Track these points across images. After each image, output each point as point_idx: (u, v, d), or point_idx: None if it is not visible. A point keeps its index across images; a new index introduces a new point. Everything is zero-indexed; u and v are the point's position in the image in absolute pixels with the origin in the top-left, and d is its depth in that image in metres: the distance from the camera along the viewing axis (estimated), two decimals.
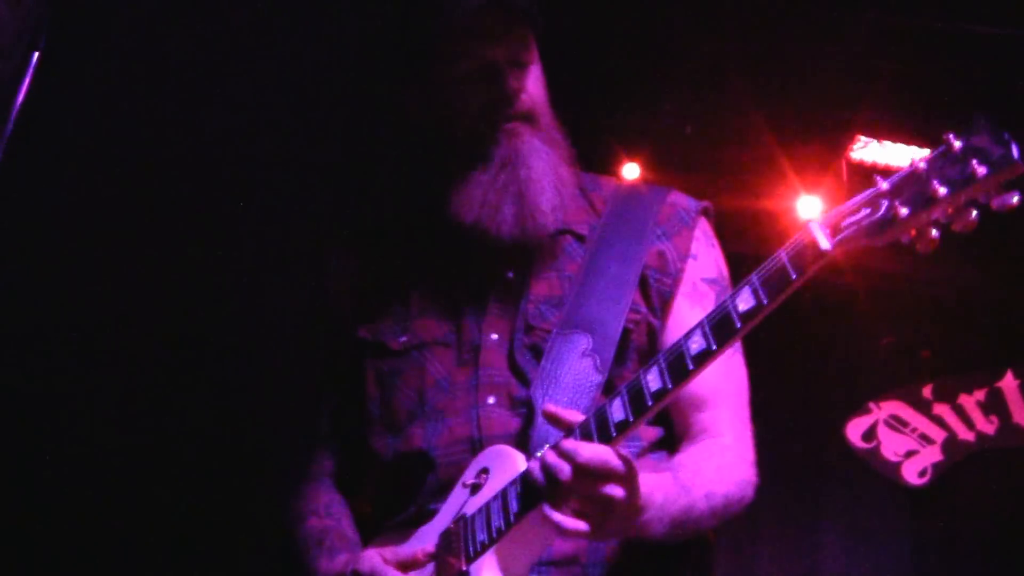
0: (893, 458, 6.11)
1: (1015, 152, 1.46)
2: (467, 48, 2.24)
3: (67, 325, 4.25)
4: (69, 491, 4.22)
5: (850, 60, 4.94)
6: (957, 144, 1.52)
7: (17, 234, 3.81)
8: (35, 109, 2.57)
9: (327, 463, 2.41)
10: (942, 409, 6.16)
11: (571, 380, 2.10)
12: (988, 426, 6.08)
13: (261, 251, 4.54)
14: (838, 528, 6.00)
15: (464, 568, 1.95)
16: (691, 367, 1.76)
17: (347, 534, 2.26)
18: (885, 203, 1.58)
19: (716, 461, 2.11)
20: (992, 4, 4.59)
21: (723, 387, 2.20)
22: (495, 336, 2.23)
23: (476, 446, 2.13)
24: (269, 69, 4.26)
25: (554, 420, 1.92)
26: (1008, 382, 6.10)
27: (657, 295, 2.25)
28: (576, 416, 1.90)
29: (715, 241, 2.38)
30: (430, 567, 2.03)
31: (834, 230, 1.64)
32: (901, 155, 5.31)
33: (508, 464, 2.00)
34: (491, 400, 2.17)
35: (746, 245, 5.01)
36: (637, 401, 1.82)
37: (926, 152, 1.56)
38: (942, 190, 1.51)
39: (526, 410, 2.12)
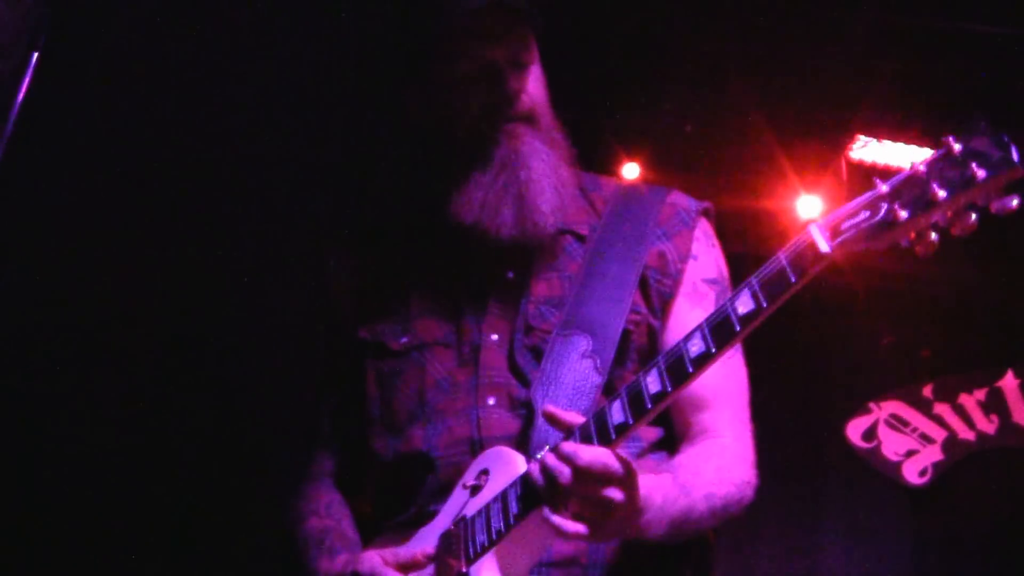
0: (893, 458, 6.11)
1: (1015, 155, 1.46)
2: (467, 48, 2.24)
3: (67, 325, 4.25)
4: (69, 491, 4.23)
5: (850, 60, 4.94)
6: (957, 147, 1.52)
7: (17, 234, 3.82)
8: (35, 109, 2.58)
9: (327, 463, 2.40)
10: (942, 409, 6.16)
11: (571, 381, 2.10)
12: (988, 425, 6.08)
13: (261, 251, 4.55)
14: (838, 528, 6.00)
15: (464, 570, 1.95)
16: (690, 370, 1.76)
17: (347, 534, 2.26)
18: (884, 206, 1.58)
19: (716, 462, 2.11)
20: (992, 4, 4.59)
21: (723, 388, 2.20)
22: (495, 337, 2.23)
23: (476, 447, 2.12)
24: (269, 69, 4.27)
25: (554, 421, 1.92)
26: (1008, 381, 6.10)
27: (657, 296, 2.25)
28: (576, 418, 1.90)
29: (715, 241, 2.37)
30: (430, 568, 2.03)
31: (833, 233, 1.64)
32: (901, 155, 5.31)
33: (508, 466, 2.00)
34: (491, 401, 2.16)
35: (746, 245, 5.03)
36: (636, 404, 1.82)
37: (926, 151, 1.56)
38: (941, 193, 1.51)
39: (526, 411, 2.12)
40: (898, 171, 1.61)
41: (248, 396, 4.53)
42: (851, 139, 5.36)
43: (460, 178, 2.27)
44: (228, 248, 4.50)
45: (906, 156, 5.23)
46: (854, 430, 6.18)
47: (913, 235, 1.57)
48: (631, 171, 5.48)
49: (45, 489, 4.21)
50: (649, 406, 1.80)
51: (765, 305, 1.68)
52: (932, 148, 1.56)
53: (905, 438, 6.14)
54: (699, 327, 1.78)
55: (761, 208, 5.59)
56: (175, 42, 4.11)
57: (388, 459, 2.25)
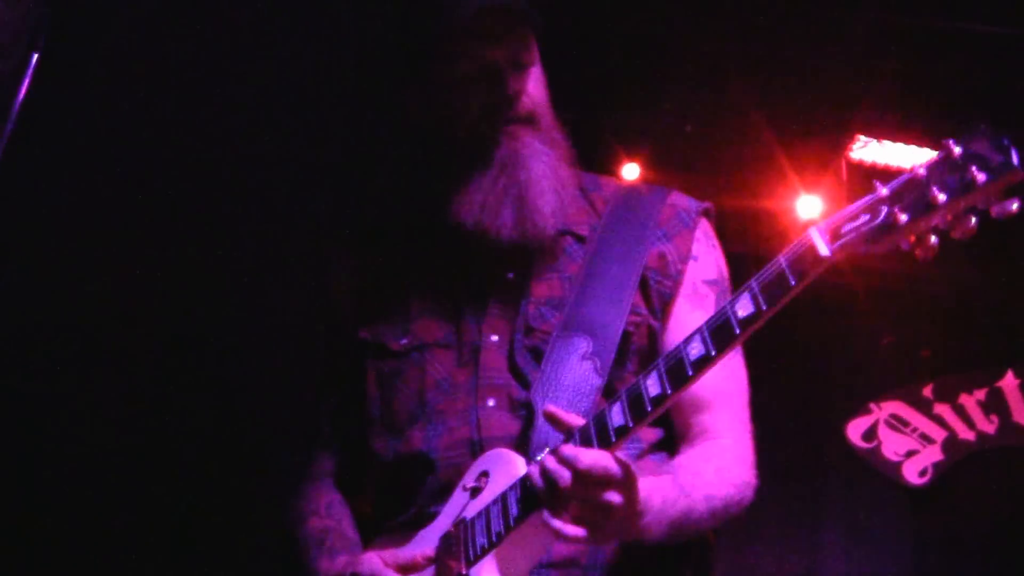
0: (894, 458, 6.11)
1: (1015, 159, 1.46)
2: (467, 49, 2.24)
3: (67, 325, 4.25)
4: (69, 491, 4.23)
5: (850, 60, 4.93)
6: (957, 150, 1.52)
7: (17, 234, 3.82)
8: (35, 109, 2.58)
9: (328, 463, 2.41)
10: (942, 409, 6.15)
11: (571, 383, 2.10)
12: (988, 426, 6.07)
13: (261, 252, 4.55)
14: (838, 528, 6.00)
15: (464, 572, 1.95)
16: (690, 373, 1.76)
17: (347, 535, 2.26)
18: (884, 209, 1.58)
19: (716, 463, 2.11)
20: (992, 4, 4.59)
21: (723, 388, 2.20)
22: (495, 337, 2.23)
23: (476, 448, 2.13)
24: (269, 69, 4.27)
25: (554, 421, 1.92)
26: (1008, 381, 6.09)
27: (657, 297, 2.25)
28: (576, 419, 1.91)
29: (716, 242, 2.37)
30: (430, 570, 2.03)
31: (833, 236, 1.64)
32: (901, 155, 5.30)
33: (508, 468, 2.00)
34: (491, 402, 2.16)
35: (746, 245, 5.04)
36: (636, 406, 1.82)
37: (926, 152, 1.56)
38: (941, 197, 1.51)
39: (526, 412, 2.12)
40: (898, 171, 1.61)
41: (248, 396, 4.53)
42: (851, 139, 5.36)
43: (460, 179, 2.27)
44: (228, 248, 4.50)
45: (906, 156, 5.22)
46: (854, 430, 6.18)
47: (913, 238, 1.58)
48: (631, 171, 5.48)
49: (45, 489, 4.21)
50: (649, 409, 1.80)
51: (765, 308, 1.69)
52: (932, 148, 1.56)
53: (905, 438, 6.14)
54: (699, 330, 1.78)
55: (761, 208, 5.59)
56: (175, 42, 4.11)
57: (388, 459, 2.25)
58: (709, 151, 5.54)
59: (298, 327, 3.42)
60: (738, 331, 1.71)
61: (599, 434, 1.84)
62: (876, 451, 6.13)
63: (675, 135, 5.49)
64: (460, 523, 2.02)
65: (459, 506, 2.06)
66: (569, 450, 1.80)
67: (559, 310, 2.21)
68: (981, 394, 6.11)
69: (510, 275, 2.29)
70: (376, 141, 4.39)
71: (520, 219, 2.21)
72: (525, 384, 2.16)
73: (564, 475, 1.78)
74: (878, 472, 6.11)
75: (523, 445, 2.07)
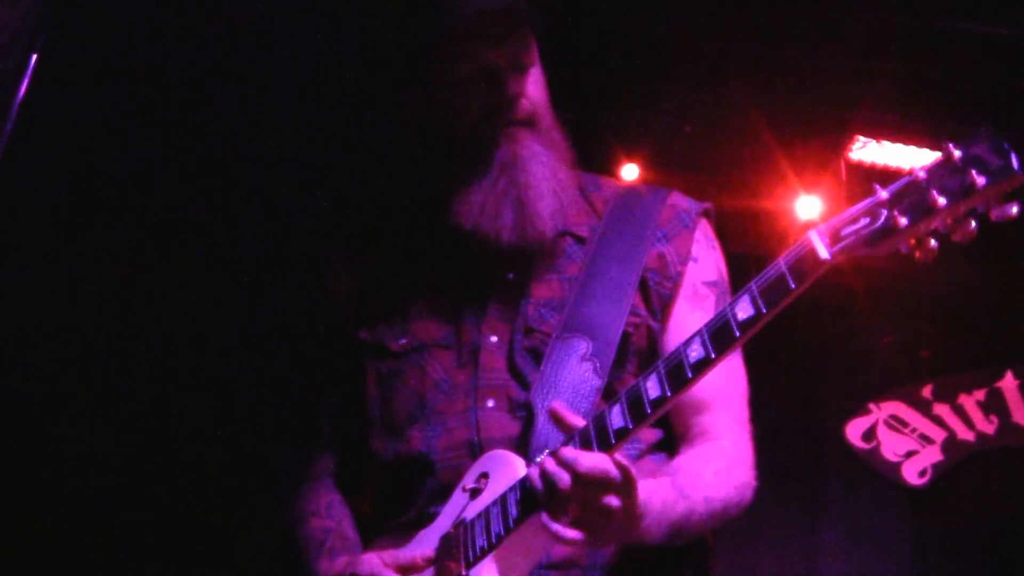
0: (893, 458, 6.11)
1: (1015, 162, 1.46)
2: (467, 50, 2.24)
3: (67, 325, 4.25)
4: (69, 491, 4.23)
5: (850, 60, 4.93)
6: (957, 153, 1.52)
7: (17, 234, 3.82)
8: (34, 109, 2.58)
9: (328, 463, 2.40)
10: (942, 409, 6.15)
11: (570, 384, 2.10)
12: (988, 426, 6.07)
13: (262, 252, 4.54)
14: (838, 528, 6.00)
15: (464, 573, 1.95)
16: (690, 375, 1.76)
17: (348, 535, 2.26)
18: (884, 212, 1.58)
19: (715, 465, 2.11)
20: (992, 4, 4.58)
21: (723, 389, 2.19)
22: (494, 338, 2.23)
23: (475, 450, 2.12)
24: (270, 69, 4.26)
25: (557, 420, 1.92)
26: (1008, 382, 6.09)
27: (657, 298, 2.24)
28: (578, 419, 1.91)
29: (715, 243, 2.37)
30: (429, 571, 2.03)
31: (833, 239, 1.64)
32: (900, 156, 5.30)
33: (508, 469, 2.00)
34: (490, 403, 2.16)
35: (745, 245, 5.03)
36: (636, 408, 1.82)
37: (925, 152, 1.57)
38: (941, 200, 1.51)
39: (525, 413, 2.12)
40: (897, 172, 1.61)
41: (248, 396, 4.53)
42: (850, 140, 5.36)
43: (460, 180, 2.27)
44: (228, 248, 4.50)
45: (905, 157, 5.21)
46: (853, 430, 6.17)
47: (913, 241, 1.58)
48: (630, 171, 5.48)
49: (45, 489, 4.21)
50: (648, 411, 1.81)
51: (765, 311, 1.69)
52: (931, 149, 1.57)
53: (904, 439, 6.14)
54: (699, 332, 1.78)
55: (760, 208, 5.59)
56: (175, 42, 4.11)
57: (388, 460, 2.25)
58: (708, 151, 5.54)
59: (298, 327, 3.42)
60: (738, 334, 1.72)
61: (599, 436, 1.84)
62: (875, 451, 6.13)
63: (674, 135, 5.49)
64: (460, 524, 2.02)
65: (459, 507, 2.06)
66: (569, 453, 1.80)
67: (559, 311, 2.21)
68: (980, 394, 6.11)
69: (510, 276, 2.28)
70: (376, 141, 4.39)
71: (519, 221, 2.21)
72: (524, 385, 2.16)
73: (564, 478, 1.78)
74: (878, 472, 6.11)
75: (522, 446, 2.07)
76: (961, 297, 5.99)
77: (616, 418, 1.84)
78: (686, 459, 2.15)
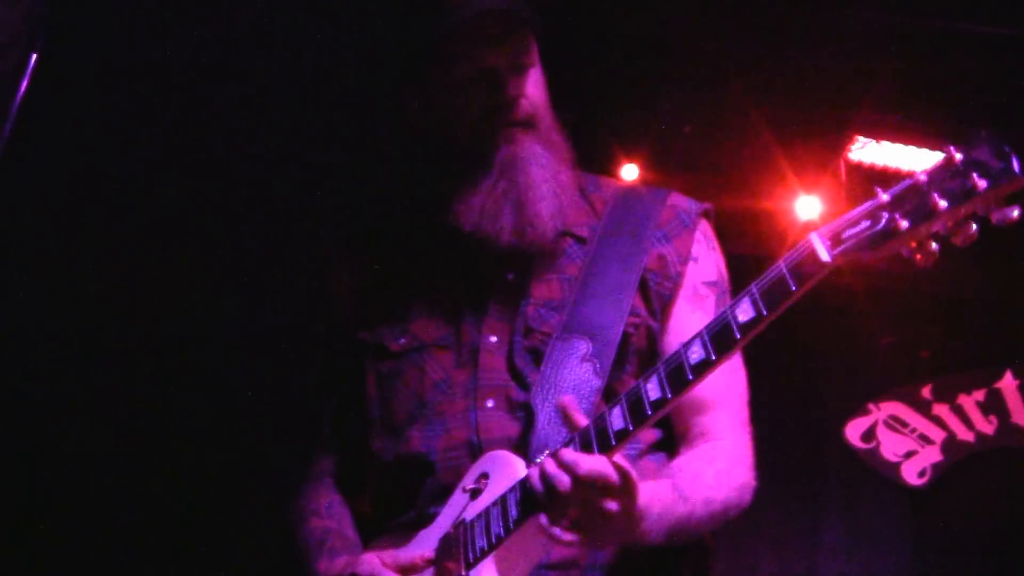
0: (893, 458, 6.10)
1: (1016, 166, 1.47)
2: (467, 51, 2.24)
3: (67, 325, 4.25)
4: (69, 491, 4.23)
5: (850, 60, 4.93)
6: (958, 157, 1.52)
7: (17, 234, 3.82)
8: (34, 109, 2.58)
9: (328, 463, 2.41)
10: (941, 409, 6.15)
11: (570, 385, 2.11)
12: (987, 426, 6.07)
13: (262, 253, 4.54)
14: (838, 528, 5.99)
15: (464, 573, 1.95)
16: (690, 377, 1.77)
17: (348, 535, 2.27)
18: (885, 215, 1.59)
19: (715, 466, 2.11)
20: (992, 4, 4.58)
21: (723, 390, 2.19)
22: (494, 339, 2.23)
23: (475, 450, 2.13)
24: (269, 70, 4.26)
25: (564, 415, 1.92)
26: (1007, 382, 6.09)
27: (657, 298, 2.25)
28: (583, 419, 1.91)
29: (715, 243, 2.37)
30: (429, 572, 2.03)
31: (834, 242, 1.64)
32: (900, 156, 5.29)
33: (508, 470, 2.00)
34: (490, 403, 2.16)
35: (744, 245, 5.03)
36: (636, 410, 1.83)
37: (925, 153, 1.57)
38: (942, 203, 1.51)
39: (524, 414, 2.12)
40: (897, 172, 1.62)
41: (248, 396, 4.53)
42: (850, 140, 5.35)
43: (460, 181, 2.27)
44: (229, 248, 4.50)
45: (905, 157, 5.21)
46: (853, 431, 6.17)
47: (914, 244, 1.58)
48: (630, 171, 5.48)
49: (45, 489, 4.21)
50: (649, 413, 1.81)
51: (765, 313, 1.69)
52: (931, 149, 1.57)
53: (904, 439, 6.14)
54: (699, 334, 1.78)
55: (760, 208, 5.59)
56: (175, 42, 4.10)
57: (388, 460, 2.25)
58: (708, 151, 5.53)
59: (298, 327, 3.42)
60: (738, 336, 1.72)
61: (599, 437, 1.84)
62: (875, 452, 6.13)
63: (674, 135, 5.49)
64: (460, 525, 2.02)
65: (459, 508, 2.06)
66: (569, 455, 1.80)
67: (559, 311, 2.21)
68: (980, 395, 6.11)
69: (510, 276, 2.29)
70: (376, 142, 4.38)
71: (519, 223, 2.21)
72: (524, 385, 2.16)
73: (564, 480, 1.78)
74: (878, 472, 6.11)
75: (522, 447, 2.07)
76: (961, 297, 5.99)
77: (616, 419, 1.84)
78: (686, 460, 2.15)
